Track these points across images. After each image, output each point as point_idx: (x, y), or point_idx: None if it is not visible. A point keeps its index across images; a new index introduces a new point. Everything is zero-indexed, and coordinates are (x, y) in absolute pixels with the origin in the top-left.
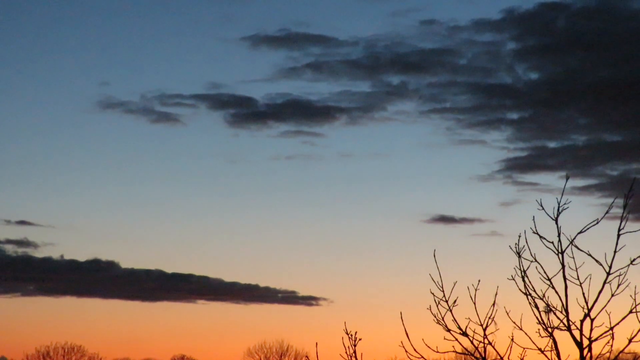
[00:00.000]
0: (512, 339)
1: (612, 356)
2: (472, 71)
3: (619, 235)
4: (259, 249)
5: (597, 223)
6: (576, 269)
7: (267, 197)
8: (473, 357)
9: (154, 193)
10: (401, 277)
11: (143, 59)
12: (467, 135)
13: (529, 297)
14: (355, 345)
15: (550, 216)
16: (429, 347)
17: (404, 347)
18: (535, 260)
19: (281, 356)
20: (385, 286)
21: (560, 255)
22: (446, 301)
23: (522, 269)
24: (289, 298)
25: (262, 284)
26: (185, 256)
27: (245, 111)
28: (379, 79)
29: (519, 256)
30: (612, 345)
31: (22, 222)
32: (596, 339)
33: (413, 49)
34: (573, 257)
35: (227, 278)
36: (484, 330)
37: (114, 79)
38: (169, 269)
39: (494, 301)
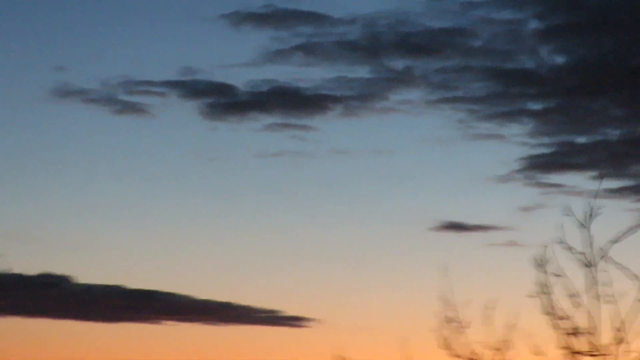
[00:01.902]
0: None
1: None
2: (488, 54)
3: None
4: (236, 261)
5: (635, 231)
6: (610, 284)
7: (249, 200)
8: None
9: (115, 196)
10: (404, 294)
11: (105, 40)
12: (482, 129)
13: (553, 317)
14: None
15: (580, 223)
16: None
17: None
18: (562, 275)
19: None
20: (384, 304)
21: (591, 268)
22: (457, 322)
23: (545, 285)
24: (271, 318)
25: (239, 302)
26: (150, 270)
27: (224, 101)
28: (380, 63)
29: (543, 270)
30: None
31: None
32: None
33: (420, 29)
34: (606, 271)
35: (199, 295)
36: (499, 356)
37: (71, 64)
38: (130, 285)
39: (513, 322)
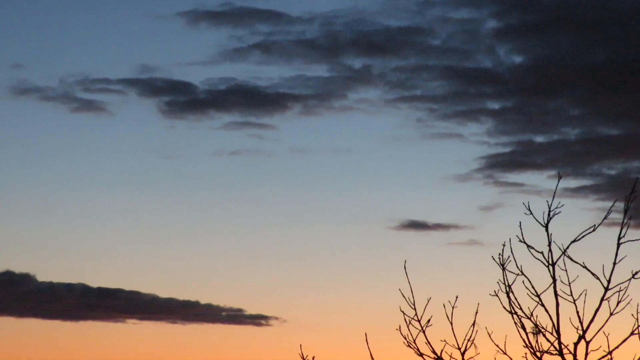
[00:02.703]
0: None
1: None
2: (446, 53)
3: (619, 245)
4: (199, 260)
5: (594, 230)
6: (569, 283)
7: (208, 199)
8: None
9: (75, 194)
10: (366, 293)
11: (62, 38)
12: (440, 128)
13: (515, 316)
14: None
15: (539, 222)
16: None
17: None
18: (522, 274)
19: None
20: (347, 303)
21: (550, 267)
22: (418, 321)
23: (506, 284)
24: (235, 317)
25: (203, 301)
26: (113, 268)
27: (182, 99)
28: (338, 62)
29: (503, 268)
30: None
31: None
32: None
33: (377, 27)
34: (566, 270)
35: (162, 293)
36: (462, 354)
37: (29, 61)
38: (93, 283)
39: (474, 321)
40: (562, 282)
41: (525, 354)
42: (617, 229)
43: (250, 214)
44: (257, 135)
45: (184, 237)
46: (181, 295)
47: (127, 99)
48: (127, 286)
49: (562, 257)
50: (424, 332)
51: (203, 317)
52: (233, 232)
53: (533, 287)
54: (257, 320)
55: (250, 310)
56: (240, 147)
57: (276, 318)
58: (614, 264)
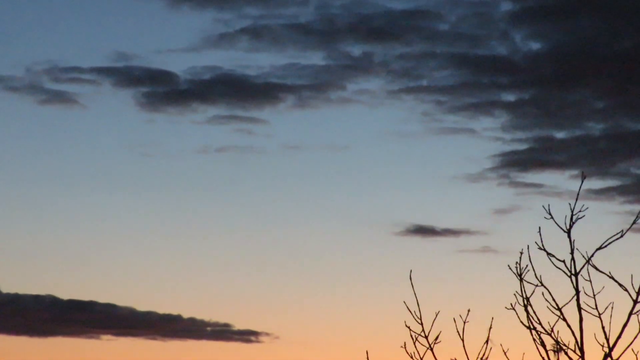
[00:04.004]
0: None
1: None
2: (455, 39)
3: None
4: (181, 269)
5: (621, 236)
6: (594, 295)
7: (192, 201)
8: None
9: (43, 195)
10: (367, 306)
11: (29, 22)
12: (449, 122)
13: (534, 331)
14: None
15: (560, 227)
16: None
17: None
18: (542, 284)
19: None
20: (345, 317)
21: (573, 277)
22: (426, 337)
23: (524, 296)
24: (221, 333)
25: (186, 315)
26: (86, 278)
27: (162, 90)
28: (335, 48)
29: (521, 279)
30: None
31: None
32: None
33: (379, 10)
34: (590, 281)
35: (141, 307)
36: None
37: None
38: (64, 295)
39: (488, 336)
40: (586, 294)
41: None
42: None
43: (239, 218)
44: (245, 130)
45: (164, 243)
46: (161, 309)
47: (101, 90)
48: (102, 298)
49: (586, 266)
50: (431, 349)
51: (186, 332)
52: (220, 238)
53: (554, 299)
54: (246, 336)
55: (239, 325)
56: (227, 143)
57: (267, 334)
58: None
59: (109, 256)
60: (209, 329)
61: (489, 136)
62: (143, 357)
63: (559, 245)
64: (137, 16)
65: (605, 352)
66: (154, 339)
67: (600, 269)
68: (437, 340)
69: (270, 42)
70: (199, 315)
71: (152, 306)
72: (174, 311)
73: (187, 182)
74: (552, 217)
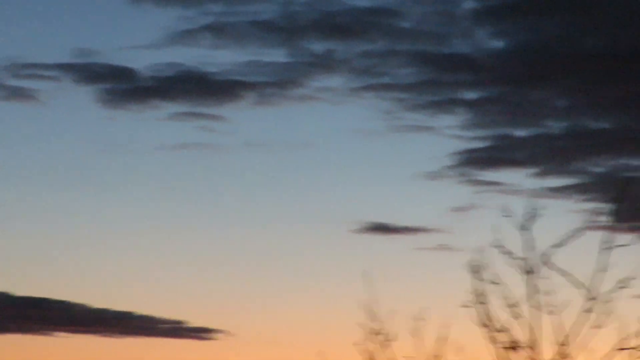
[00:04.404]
0: None
1: None
2: (418, 37)
3: (605, 250)
4: (136, 266)
5: (578, 234)
6: (550, 293)
7: (152, 198)
8: None
9: None
10: (322, 304)
11: None
12: (411, 120)
13: (490, 329)
14: None
15: (518, 225)
16: None
17: None
18: (498, 282)
19: None
20: (301, 315)
21: (531, 275)
22: (381, 335)
23: (481, 294)
24: (175, 330)
25: (140, 312)
26: (39, 274)
27: (124, 86)
28: (297, 46)
29: (477, 277)
30: None
31: None
32: None
33: (342, 7)
34: (546, 278)
35: (95, 303)
36: None
37: None
38: (16, 291)
39: (443, 335)
40: (542, 292)
41: None
42: (604, 233)
43: (198, 214)
44: (207, 127)
45: (121, 239)
46: (115, 306)
47: (62, 87)
48: (55, 295)
49: (542, 264)
50: (386, 347)
51: (139, 329)
52: (177, 235)
53: (510, 297)
54: (200, 333)
55: (193, 322)
56: (189, 140)
57: (222, 331)
58: (600, 271)
59: (63, 252)
60: (162, 326)
61: (449, 134)
62: (97, 354)
63: (516, 243)
64: (99, 12)
65: (560, 350)
66: (108, 336)
67: (557, 267)
68: (392, 338)
69: (233, 39)
70: (152, 312)
71: (106, 303)
72: (128, 308)
73: (147, 178)
74: (510, 215)
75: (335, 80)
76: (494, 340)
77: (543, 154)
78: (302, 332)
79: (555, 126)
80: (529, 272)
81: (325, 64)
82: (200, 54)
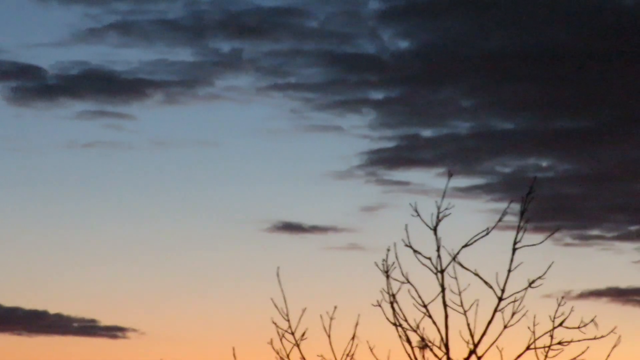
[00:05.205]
0: None
1: None
2: (324, 37)
3: (514, 250)
4: (47, 264)
5: (487, 234)
6: (460, 292)
7: (59, 196)
8: None
9: None
10: (234, 302)
11: None
12: (317, 120)
13: (399, 328)
14: None
15: (426, 225)
16: None
17: None
18: (408, 282)
19: None
20: (213, 313)
21: (439, 274)
22: (292, 333)
23: (390, 293)
24: (87, 328)
25: (52, 310)
26: None
27: (29, 84)
28: (204, 45)
29: (387, 276)
30: None
31: None
32: None
33: (249, 7)
34: (456, 278)
35: (6, 302)
36: None
37: None
38: None
39: (354, 333)
40: (452, 292)
41: None
42: (512, 233)
43: (106, 213)
44: (113, 125)
45: (30, 237)
46: (27, 304)
47: None
48: None
49: (451, 263)
50: (298, 346)
51: (52, 328)
52: (86, 233)
53: (420, 296)
54: (113, 332)
55: (105, 321)
56: (95, 138)
57: (134, 330)
58: (509, 271)
59: None
60: (75, 324)
61: (356, 134)
62: (8, 353)
63: (426, 243)
64: (5, 10)
65: (470, 349)
66: (20, 334)
67: (466, 267)
68: (304, 337)
69: (139, 38)
70: (65, 311)
71: (18, 302)
72: (40, 307)
73: (54, 176)
74: (418, 215)
75: (242, 80)
76: (405, 339)
77: (450, 154)
78: (214, 330)
79: (461, 126)
80: (439, 271)
81: (232, 63)
82: (107, 52)
